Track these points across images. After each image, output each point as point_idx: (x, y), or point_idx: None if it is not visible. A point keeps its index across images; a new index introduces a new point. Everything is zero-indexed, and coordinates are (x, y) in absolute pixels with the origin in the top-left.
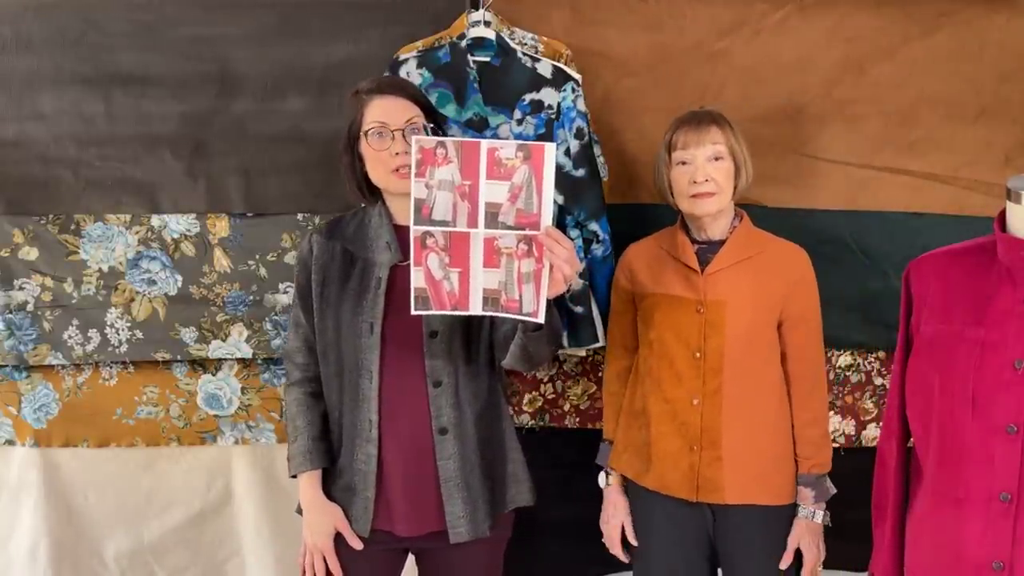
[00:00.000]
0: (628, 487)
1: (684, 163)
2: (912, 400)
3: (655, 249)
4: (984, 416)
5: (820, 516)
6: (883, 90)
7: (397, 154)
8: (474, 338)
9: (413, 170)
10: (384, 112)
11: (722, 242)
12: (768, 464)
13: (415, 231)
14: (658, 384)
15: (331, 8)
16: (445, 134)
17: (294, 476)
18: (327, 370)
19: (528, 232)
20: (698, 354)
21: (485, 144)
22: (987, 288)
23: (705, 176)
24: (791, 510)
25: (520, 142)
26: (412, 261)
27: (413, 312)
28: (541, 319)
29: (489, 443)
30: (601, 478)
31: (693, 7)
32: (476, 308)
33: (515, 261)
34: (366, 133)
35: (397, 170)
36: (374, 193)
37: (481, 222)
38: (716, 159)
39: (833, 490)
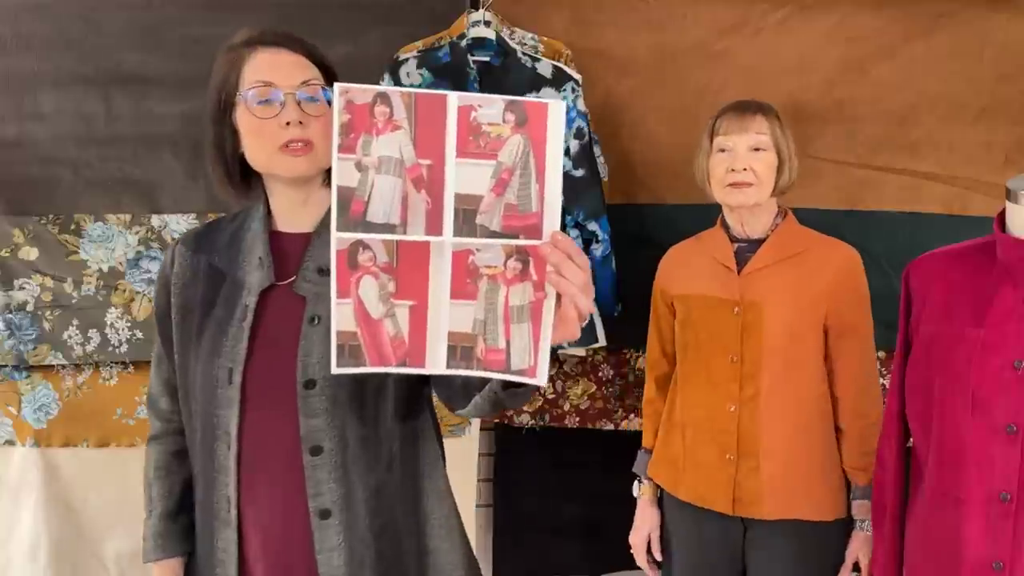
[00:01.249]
0: (662, 497)
1: (724, 151)
2: (912, 400)
3: (695, 249)
4: (984, 416)
5: None
6: (883, 90)
7: (288, 124)
8: (373, 388)
9: (336, 141)
10: (271, 68)
11: (761, 241)
12: (811, 476)
13: (340, 241)
14: (694, 389)
15: (331, 8)
16: None
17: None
18: (188, 424)
19: (524, 242)
20: (734, 358)
21: (455, 98)
22: (987, 288)
23: (744, 165)
24: (833, 526)
25: (512, 98)
26: (335, 289)
27: (335, 370)
28: (542, 380)
29: (395, 530)
30: (635, 487)
31: (694, 7)
32: (437, 364)
33: (501, 288)
34: (244, 96)
35: (287, 146)
36: (251, 185)
37: (448, 226)
38: (758, 149)
39: None
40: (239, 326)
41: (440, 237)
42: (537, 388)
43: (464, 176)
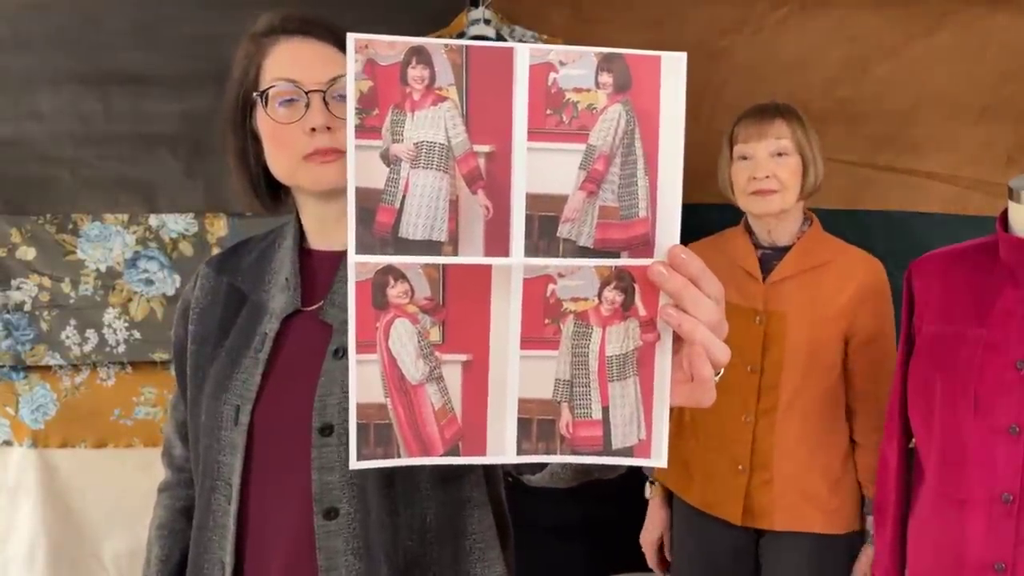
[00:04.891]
0: (673, 500)
1: (745, 158)
2: (914, 401)
3: (712, 252)
4: (986, 417)
5: None
6: (885, 89)
7: (314, 130)
8: None
9: (352, 120)
10: (294, 62)
11: (787, 248)
12: (824, 488)
13: (359, 269)
14: None
15: (327, 6)
16: None
17: None
18: (195, 474)
19: (628, 262)
20: (749, 368)
21: (525, 53)
22: (989, 288)
23: (766, 172)
24: (846, 539)
25: (609, 50)
26: (353, 341)
27: (354, 464)
28: (661, 460)
29: None
30: (647, 488)
31: (694, 5)
32: (503, 450)
33: (594, 331)
34: (263, 96)
35: (315, 153)
36: (278, 199)
37: (517, 242)
38: (780, 155)
39: None
40: (254, 357)
41: (506, 259)
42: None
43: (540, 168)
